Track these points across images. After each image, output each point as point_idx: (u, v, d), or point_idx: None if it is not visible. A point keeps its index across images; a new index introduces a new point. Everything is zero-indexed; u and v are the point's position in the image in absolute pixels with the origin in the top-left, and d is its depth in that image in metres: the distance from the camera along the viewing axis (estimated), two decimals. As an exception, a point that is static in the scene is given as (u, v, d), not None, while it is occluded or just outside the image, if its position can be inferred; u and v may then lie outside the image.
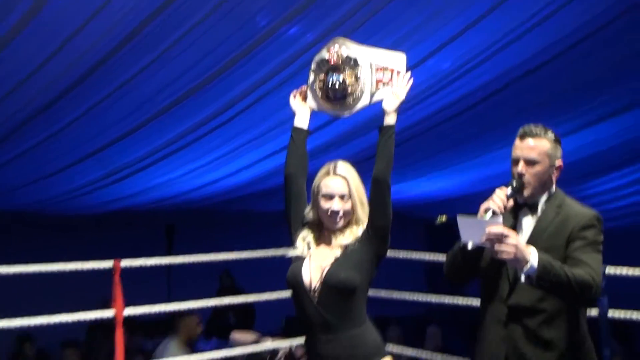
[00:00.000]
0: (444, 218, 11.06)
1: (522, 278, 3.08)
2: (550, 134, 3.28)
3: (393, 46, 3.74)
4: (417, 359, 6.20)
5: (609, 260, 5.03)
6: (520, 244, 2.96)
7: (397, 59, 3.60)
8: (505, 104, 7.39)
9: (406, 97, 3.53)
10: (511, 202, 3.21)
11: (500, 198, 3.15)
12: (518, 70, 7.01)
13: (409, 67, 3.59)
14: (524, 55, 6.81)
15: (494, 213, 3.09)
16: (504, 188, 3.21)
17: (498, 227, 2.95)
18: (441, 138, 8.17)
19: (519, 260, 2.95)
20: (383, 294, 5.43)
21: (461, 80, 7.00)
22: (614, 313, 5.08)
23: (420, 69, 5.95)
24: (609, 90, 7.81)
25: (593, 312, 5.00)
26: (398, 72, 3.57)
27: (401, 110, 3.54)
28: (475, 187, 9.20)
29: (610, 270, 5.01)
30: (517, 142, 3.29)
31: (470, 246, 3.09)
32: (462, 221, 3.02)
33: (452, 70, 6.79)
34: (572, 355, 3.19)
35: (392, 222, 3.38)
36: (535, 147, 3.25)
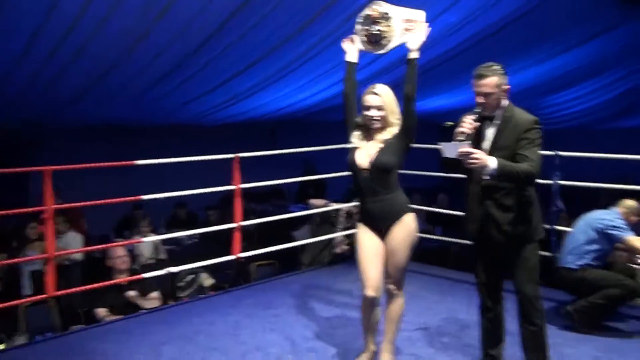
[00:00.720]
0: (449, 123, 10.95)
1: (488, 177, 3.11)
2: (497, 70, 3.17)
3: (417, 6, 3.62)
4: (432, 212, 6.32)
5: (561, 147, 4.98)
6: (483, 156, 3.02)
7: (419, 15, 3.51)
8: (492, 47, 7.18)
9: (426, 40, 3.43)
10: (477, 123, 3.16)
11: (469, 123, 3.12)
12: (502, 22, 6.85)
13: (427, 20, 3.49)
14: (506, 10, 6.63)
15: (466, 136, 3.08)
16: (470, 115, 3.16)
17: (465, 148, 3.01)
18: (450, 69, 7.92)
19: (483, 167, 3.01)
20: (410, 171, 5.37)
21: (463, 29, 6.85)
22: (564, 183, 5.02)
23: (436, 22, 5.77)
24: (564, 32, 7.59)
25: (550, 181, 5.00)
26: (420, 23, 3.48)
27: (423, 50, 3.44)
28: (472, 102, 9.10)
29: (563, 154, 4.94)
30: (475, 81, 3.19)
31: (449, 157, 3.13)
32: (442, 145, 3.09)
33: (457, 22, 6.62)
34: (523, 213, 3.23)
35: (416, 124, 3.35)
36: (488, 83, 3.15)
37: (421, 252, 5.64)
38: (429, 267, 5.85)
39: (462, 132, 3.09)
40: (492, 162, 3.01)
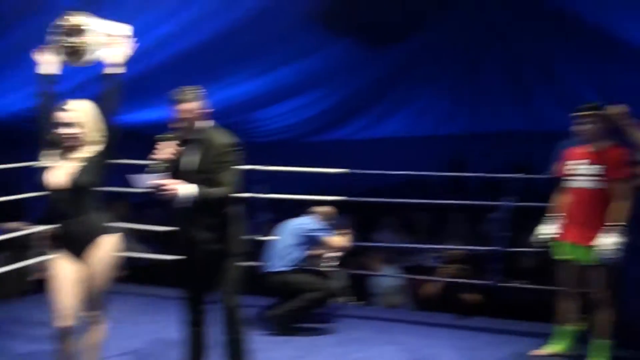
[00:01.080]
0: (160, 136, 10.94)
1: (186, 203, 3.24)
2: (195, 95, 3.36)
3: (128, 17, 3.58)
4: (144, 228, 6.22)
5: (271, 161, 5.43)
6: (175, 186, 3.18)
7: (123, 29, 3.48)
8: (203, 61, 7.42)
9: (133, 54, 3.41)
10: (178, 148, 3.33)
11: (168, 150, 3.28)
12: (213, 37, 7.16)
13: (137, 32, 3.45)
14: (218, 26, 6.97)
15: (161, 164, 3.20)
16: (167, 140, 3.32)
17: (154, 180, 3.15)
18: (162, 79, 7.98)
19: (178, 197, 3.19)
20: (118, 188, 5.09)
21: (174, 40, 6.99)
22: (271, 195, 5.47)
23: (146, 35, 5.81)
24: (274, 51, 8.22)
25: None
26: (123, 37, 3.43)
27: (134, 61, 3.42)
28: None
29: (270, 168, 5.41)
30: (174, 105, 3.35)
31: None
32: (130, 177, 3.17)
33: (169, 32, 6.74)
34: (224, 231, 3.47)
35: (121, 139, 3.31)
36: (186, 109, 3.33)
37: (132, 272, 5.58)
38: (139, 286, 5.79)
39: (157, 160, 3.19)
40: (191, 190, 3.18)
